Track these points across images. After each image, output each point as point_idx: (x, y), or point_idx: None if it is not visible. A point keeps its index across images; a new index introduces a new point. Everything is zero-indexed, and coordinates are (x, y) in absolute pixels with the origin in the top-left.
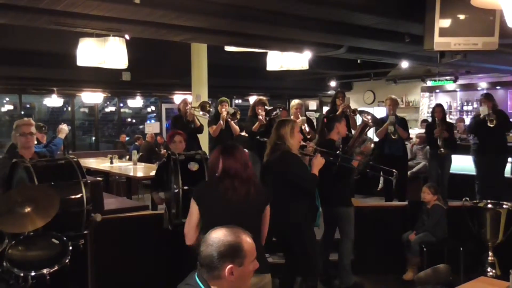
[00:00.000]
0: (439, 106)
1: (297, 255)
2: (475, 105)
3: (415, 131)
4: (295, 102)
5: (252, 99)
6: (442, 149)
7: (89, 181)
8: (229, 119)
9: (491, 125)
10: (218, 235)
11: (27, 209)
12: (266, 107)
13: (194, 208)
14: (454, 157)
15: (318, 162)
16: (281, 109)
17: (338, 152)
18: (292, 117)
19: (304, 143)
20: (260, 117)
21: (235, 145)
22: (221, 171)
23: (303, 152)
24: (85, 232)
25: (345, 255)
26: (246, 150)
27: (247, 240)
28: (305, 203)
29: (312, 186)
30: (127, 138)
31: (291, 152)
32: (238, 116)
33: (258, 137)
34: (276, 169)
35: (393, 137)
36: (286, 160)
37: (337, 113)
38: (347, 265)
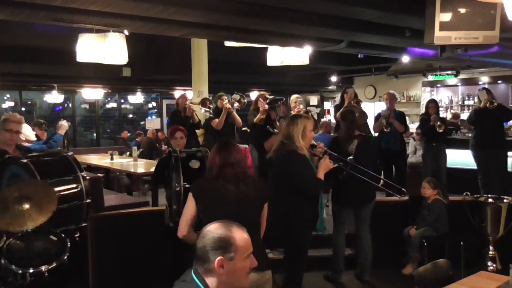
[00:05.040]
0: (432, 101)
1: (286, 253)
2: (476, 100)
3: (416, 126)
4: (293, 96)
5: (253, 94)
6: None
7: (85, 175)
8: (232, 110)
9: (491, 107)
10: (211, 228)
11: (25, 206)
12: (267, 96)
13: (191, 203)
14: (456, 152)
15: (325, 166)
16: (282, 100)
17: (349, 158)
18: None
19: (314, 143)
20: (261, 108)
21: (230, 141)
22: (218, 167)
23: (311, 151)
24: (84, 224)
25: (371, 249)
26: (247, 145)
27: (240, 235)
28: (306, 206)
29: (315, 191)
30: (129, 134)
31: (297, 152)
32: (244, 100)
33: (268, 126)
34: (280, 169)
35: (385, 130)
36: (291, 161)
37: (345, 105)
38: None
